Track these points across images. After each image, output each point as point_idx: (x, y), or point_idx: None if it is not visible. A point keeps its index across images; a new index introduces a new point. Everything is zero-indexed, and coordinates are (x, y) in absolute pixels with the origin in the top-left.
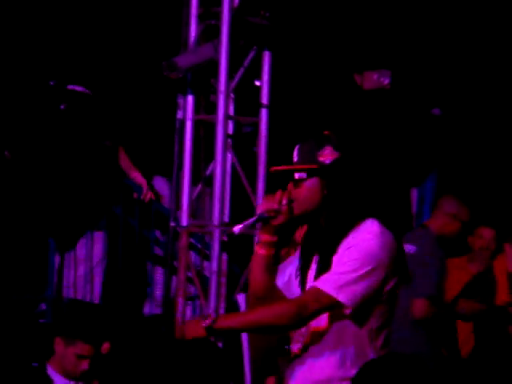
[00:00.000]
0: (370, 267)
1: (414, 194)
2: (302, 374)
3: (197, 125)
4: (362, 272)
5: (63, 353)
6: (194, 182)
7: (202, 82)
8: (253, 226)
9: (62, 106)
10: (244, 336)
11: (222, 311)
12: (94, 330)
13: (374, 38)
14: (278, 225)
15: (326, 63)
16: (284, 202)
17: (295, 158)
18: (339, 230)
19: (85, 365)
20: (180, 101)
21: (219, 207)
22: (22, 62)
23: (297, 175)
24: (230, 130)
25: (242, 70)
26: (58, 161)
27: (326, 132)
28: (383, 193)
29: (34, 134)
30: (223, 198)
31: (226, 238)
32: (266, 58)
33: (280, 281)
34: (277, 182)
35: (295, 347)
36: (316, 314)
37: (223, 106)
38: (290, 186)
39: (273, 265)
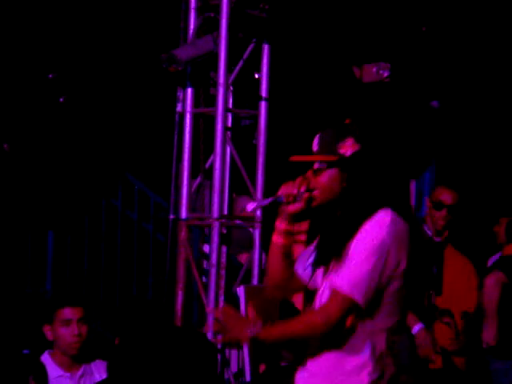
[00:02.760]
0: (377, 257)
1: (413, 186)
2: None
3: (196, 118)
4: (371, 264)
5: (54, 334)
6: (193, 174)
7: (201, 74)
8: (268, 206)
9: (61, 99)
10: None
11: (221, 304)
12: (74, 294)
13: (373, 31)
14: (294, 213)
15: (325, 56)
16: (303, 188)
17: (315, 147)
18: (355, 221)
19: (74, 329)
20: (179, 94)
21: (218, 200)
22: (21, 55)
23: (316, 165)
24: (230, 123)
25: (241, 63)
26: (57, 153)
27: (347, 121)
28: (400, 184)
29: (33, 126)
30: (223, 190)
31: (225, 231)
32: (265, 50)
33: (300, 268)
34: (283, 174)
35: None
36: (341, 316)
37: (222, 98)
38: (310, 174)
39: (289, 254)
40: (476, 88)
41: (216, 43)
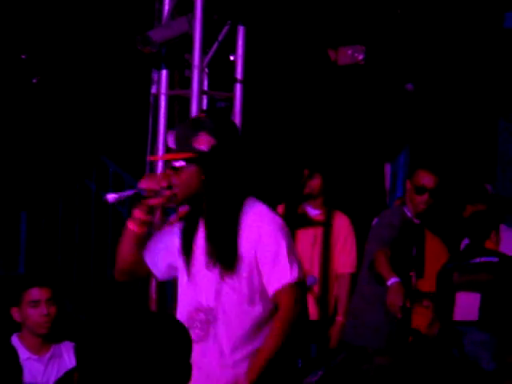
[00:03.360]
0: (287, 235)
1: (388, 169)
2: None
3: (171, 100)
4: (286, 245)
5: (23, 315)
6: None
7: (176, 56)
8: (129, 198)
9: (34, 80)
10: None
11: None
12: (42, 274)
13: (349, 14)
14: (153, 206)
15: (301, 38)
16: (164, 185)
17: (172, 145)
18: (229, 212)
19: (43, 309)
20: (154, 75)
21: None
22: None
23: (176, 163)
24: (205, 105)
25: (216, 45)
26: (31, 135)
27: (201, 115)
28: (256, 172)
29: (6, 107)
30: None
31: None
32: (241, 32)
33: (149, 260)
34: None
35: (196, 333)
36: (299, 302)
37: (197, 80)
38: (169, 171)
39: (142, 242)
40: (450, 71)
41: (191, 25)
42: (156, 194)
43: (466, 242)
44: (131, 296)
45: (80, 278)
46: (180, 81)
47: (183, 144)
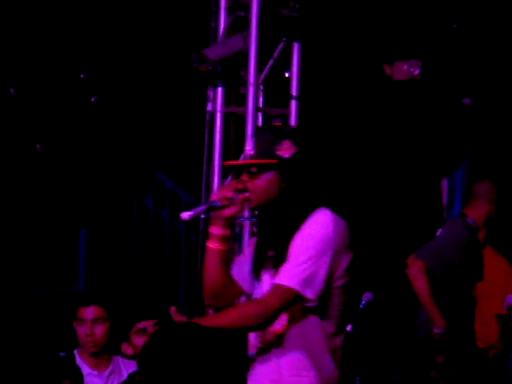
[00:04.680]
0: (325, 253)
1: (445, 184)
2: (260, 375)
3: (226, 117)
4: (319, 259)
5: (78, 332)
6: (223, 174)
7: (231, 73)
8: (204, 213)
9: (92, 99)
10: None
11: None
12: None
13: (404, 29)
14: (229, 217)
15: (356, 54)
16: (239, 186)
17: (251, 151)
18: (293, 222)
19: (87, 329)
20: (209, 93)
21: None
22: (53, 55)
23: (253, 168)
24: (260, 122)
25: (271, 62)
26: (89, 153)
27: (278, 124)
28: (337, 184)
29: (64, 126)
30: None
31: (256, 230)
32: (295, 49)
33: (236, 274)
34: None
35: (251, 351)
36: (280, 311)
37: (253, 97)
38: (245, 177)
39: (227, 260)
40: (507, 84)
41: (246, 42)
42: (230, 202)
43: None
44: (188, 311)
45: (138, 295)
46: (235, 98)
47: (264, 150)
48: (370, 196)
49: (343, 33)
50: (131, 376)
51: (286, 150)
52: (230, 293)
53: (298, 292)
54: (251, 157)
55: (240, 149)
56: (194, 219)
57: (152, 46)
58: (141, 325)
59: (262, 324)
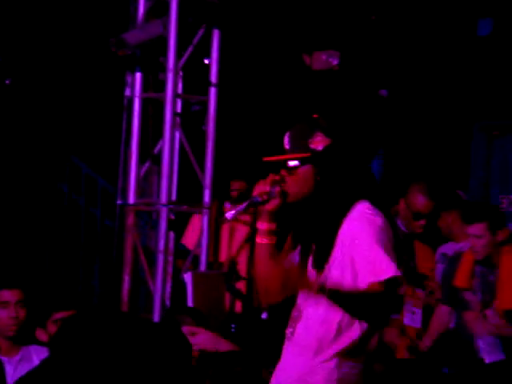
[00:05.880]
0: (385, 240)
1: None
2: (291, 353)
3: (145, 103)
4: (383, 246)
5: None
6: (141, 159)
7: (150, 59)
8: (246, 209)
9: (6, 81)
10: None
11: (168, 290)
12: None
13: (324, 19)
14: (273, 210)
15: (276, 43)
16: (276, 178)
17: (286, 146)
18: (335, 214)
19: (11, 311)
20: (128, 78)
21: (167, 185)
22: None
23: (290, 163)
24: (179, 109)
25: (190, 48)
26: (2, 136)
27: (314, 116)
28: (371, 175)
29: None
30: (171, 176)
31: (173, 217)
32: (215, 35)
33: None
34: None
35: (288, 331)
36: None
37: (172, 84)
38: (283, 171)
39: (277, 254)
40: (424, 77)
41: (165, 27)
42: (269, 196)
43: (442, 249)
44: (103, 298)
45: (52, 280)
46: (154, 84)
47: (298, 144)
48: None
49: (263, 21)
50: (29, 374)
51: (319, 143)
52: (285, 286)
53: (395, 276)
54: (287, 152)
55: (158, 135)
56: (113, 205)
57: (71, 29)
58: (59, 315)
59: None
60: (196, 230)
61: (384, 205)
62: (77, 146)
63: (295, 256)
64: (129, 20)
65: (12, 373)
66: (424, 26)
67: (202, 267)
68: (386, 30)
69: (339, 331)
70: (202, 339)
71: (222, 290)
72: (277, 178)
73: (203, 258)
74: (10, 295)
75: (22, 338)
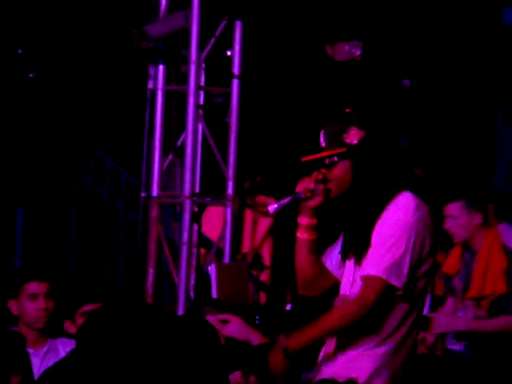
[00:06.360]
0: (407, 240)
1: None
2: (334, 342)
3: (168, 95)
4: (402, 247)
5: (20, 309)
6: (164, 152)
7: (173, 51)
8: (289, 205)
9: (30, 75)
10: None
11: (192, 282)
12: (41, 269)
13: (346, 9)
14: (315, 207)
15: (298, 34)
16: (319, 178)
17: (323, 143)
18: (375, 206)
19: (41, 303)
20: (151, 71)
21: (190, 178)
22: None
23: (327, 160)
24: (201, 101)
25: (213, 40)
26: (27, 129)
27: (347, 110)
28: (409, 166)
29: (2, 102)
30: (194, 168)
31: (196, 209)
32: (238, 27)
33: (328, 263)
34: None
35: None
36: (377, 301)
37: (194, 76)
38: (324, 169)
39: (317, 248)
40: (448, 67)
41: (188, 20)
42: (312, 193)
43: None
44: (128, 291)
45: (77, 273)
46: (177, 76)
47: (333, 140)
48: None
49: (286, 12)
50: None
51: (353, 136)
52: (322, 282)
53: (387, 281)
54: (323, 149)
55: (181, 127)
56: (137, 197)
57: (93, 22)
58: (88, 307)
59: (362, 319)
60: (213, 222)
61: (427, 195)
62: (101, 139)
63: (334, 251)
64: (151, 12)
65: (39, 365)
66: (448, 14)
67: (226, 259)
68: (409, 19)
69: (381, 318)
70: (234, 328)
71: (247, 281)
72: (320, 176)
73: (227, 250)
74: (38, 287)
75: (50, 330)
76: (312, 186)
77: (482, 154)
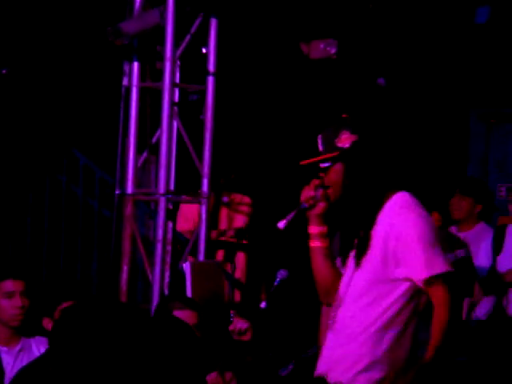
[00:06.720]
0: (430, 226)
1: None
2: (333, 341)
3: (143, 92)
4: (432, 238)
5: (3, 305)
6: (139, 149)
7: (147, 48)
8: (296, 217)
9: (3, 71)
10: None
11: (166, 280)
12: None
13: (321, 7)
14: (321, 213)
15: (273, 31)
16: (317, 183)
17: (320, 148)
18: (368, 207)
19: (17, 301)
20: (125, 67)
21: (165, 175)
22: None
23: (321, 164)
24: (176, 98)
25: (188, 37)
26: (1, 126)
27: (343, 115)
28: (404, 166)
29: None
30: (169, 165)
31: (171, 206)
32: (213, 24)
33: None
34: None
35: (329, 321)
36: (451, 294)
37: (169, 73)
38: (322, 174)
39: (330, 255)
40: (421, 66)
41: (163, 17)
42: (314, 200)
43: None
44: (101, 288)
45: (50, 271)
46: (152, 73)
47: (328, 145)
48: None
49: (261, 10)
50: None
51: (345, 140)
52: (338, 287)
53: (448, 271)
54: (319, 153)
55: (156, 124)
56: (111, 195)
57: (67, 19)
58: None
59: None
60: (187, 219)
61: (422, 195)
62: (75, 137)
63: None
64: (126, 9)
65: (12, 363)
66: (421, 14)
67: (201, 257)
68: (383, 18)
69: (382, 313)
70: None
71: (221, 279)
72: (317, 181)
73: (201, 248)
74: (14, 285)
75: (24, 328)
76: (312, 193)
77: (454, 150)
